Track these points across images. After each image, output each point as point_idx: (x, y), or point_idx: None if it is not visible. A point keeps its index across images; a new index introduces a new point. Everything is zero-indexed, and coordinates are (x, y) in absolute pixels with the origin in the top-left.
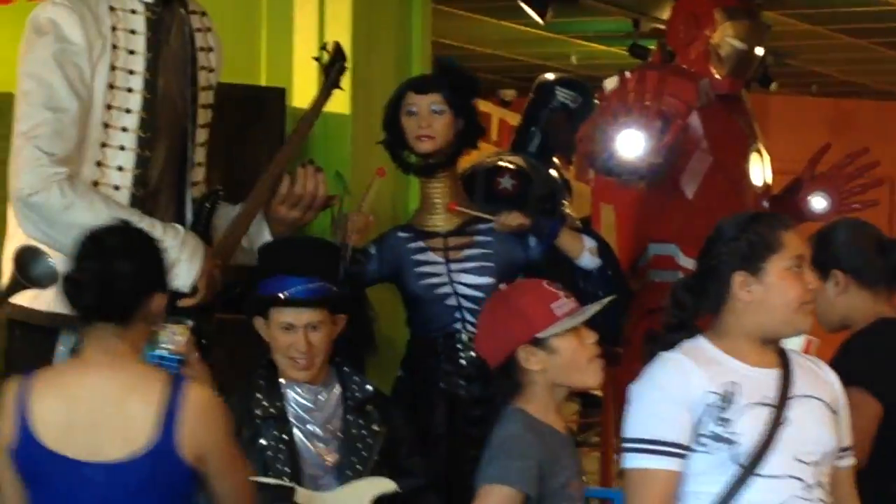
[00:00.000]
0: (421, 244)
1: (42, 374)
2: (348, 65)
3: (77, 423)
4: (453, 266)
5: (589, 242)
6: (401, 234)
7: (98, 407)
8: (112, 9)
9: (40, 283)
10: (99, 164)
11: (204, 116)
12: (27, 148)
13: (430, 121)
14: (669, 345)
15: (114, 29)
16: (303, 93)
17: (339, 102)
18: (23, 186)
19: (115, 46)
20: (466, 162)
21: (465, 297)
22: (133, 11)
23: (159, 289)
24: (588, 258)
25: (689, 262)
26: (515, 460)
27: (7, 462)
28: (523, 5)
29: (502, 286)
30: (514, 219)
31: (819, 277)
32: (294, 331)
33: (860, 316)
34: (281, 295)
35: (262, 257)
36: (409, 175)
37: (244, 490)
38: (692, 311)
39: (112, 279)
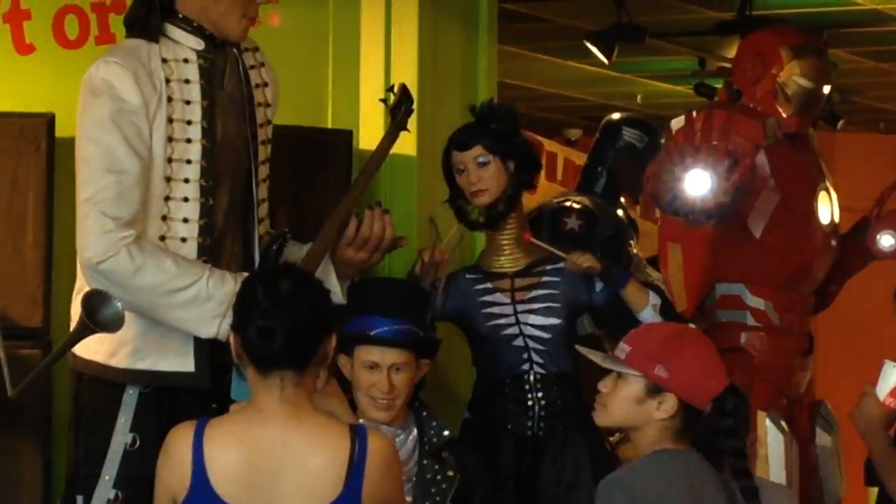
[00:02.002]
0: (488, 285)
1: (216, 423)
2: (414, 106)
3: (258, 476)
4: (520, 307)
5: (654, 298)
6: (468, 276)
7: (280, 459)
8: (164, 60)
9: (109, 327)
10: (164, 218)
11: (264, 152)
12: (93, 214)
13: (478, 175)
14: None
15: (168, 81)
16: (370, 135)
17: (406, 144)
18: (92, 255)
19: (170, 99)
20: (533, 201)
21: (532, 337)
22: (185, 60)
23: (332, 330)
24: (650, 313)
25: (757, 302)
26: None
27: None
28: (589, 45)
29: (692, 326)
30: (585, 259)
31: None
32: (378, 370)
33: None
34: (370, 333)
35: (351, 296)
36: (476, 231)
37: None
38: None
39: (300, 325)
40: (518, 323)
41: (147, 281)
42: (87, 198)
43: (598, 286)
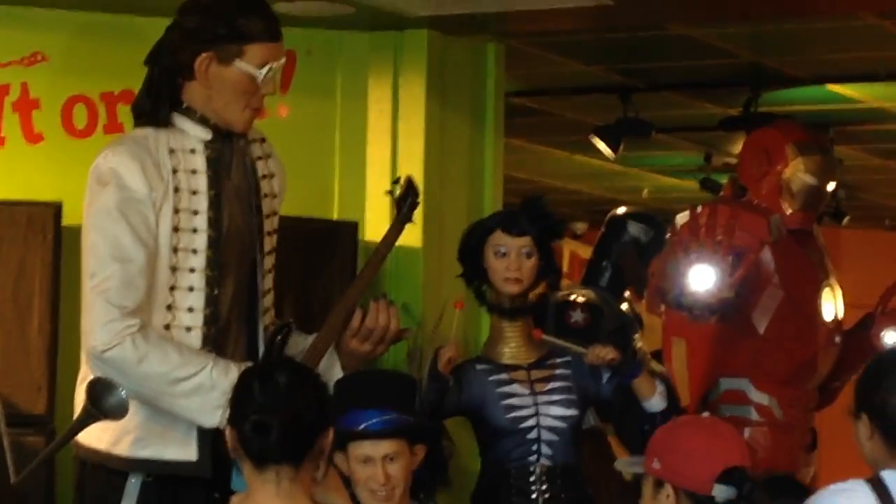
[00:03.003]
0: (505, 376)
1: None
2: (420, 198)
3: None
4: (541, 398)
5: (660, 386)
6: (480, 367)
7: None
8: (172, 150)
9: (112, 414)
10: (169, 307)
11: (270, 243)
12: (98, 302)
13: (519, 263)
14: None
15: (175, 171)
16: (375, 226)
17: (411, 236)
18: (96, 343)
19: (177, 189)
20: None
21: (549, 428)
22: (192, 151)
23: (330, 424)
24: (658, 401)
25: (760, 397)
26: None
27: None
28: (595, 140)
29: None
30: (608, 352)
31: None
32: (372, 463)
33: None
34: (357, 428)
35: (336, 393)
36: (485, 309)
37: None
38: None
39: (296, 420)
40: (537, 414)
41: (151, 369)
42: (92, 286)
43: (605, 377)
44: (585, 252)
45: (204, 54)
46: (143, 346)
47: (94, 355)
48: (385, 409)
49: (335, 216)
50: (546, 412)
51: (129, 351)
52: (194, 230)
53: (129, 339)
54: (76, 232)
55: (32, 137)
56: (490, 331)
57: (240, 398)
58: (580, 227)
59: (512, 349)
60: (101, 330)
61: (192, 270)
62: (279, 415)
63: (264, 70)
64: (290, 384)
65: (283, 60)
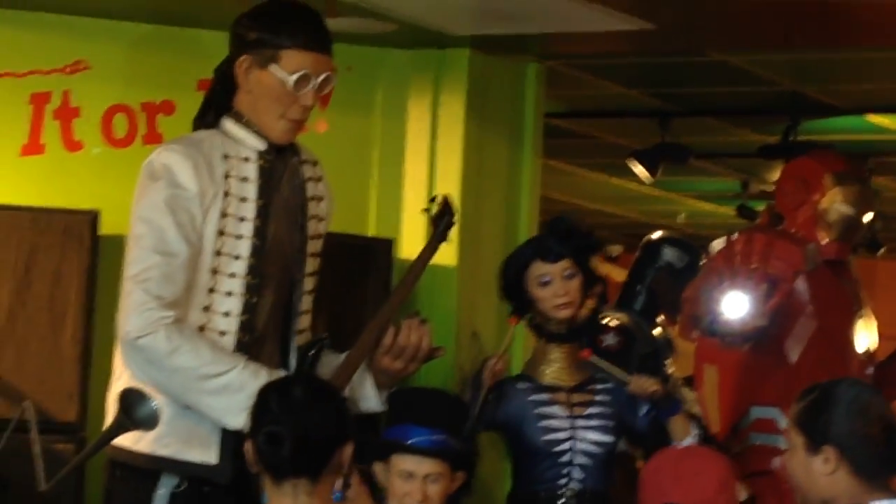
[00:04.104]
0: (545, 397)
1: None
2: (456, 217)
3: None
4: (579, 422)
5: (694, 430)
6: (520, 386)
7: None
8: (226, 156)
9: (144, 425)
10: (206, 308)
11: (312, 265)
12: (136, 291)
13: (566, 287)
14: None
15: (226, 176)
16: (411, 244)
17: (446, 255)
18: (130, 329)
19: (227, 194)
20: None
21: (584, 453)
22: (246, 159)
23: (349, 438)
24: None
25: None
26: None
27: None
28: (633, 164)
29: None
30: (651, 384)
31: (807, 446)
32: (413, 480)
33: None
34: (406, 442)
35: (391, 405)
36: (544, 340)
37: None
38: None
39: (311, 433)
40: (573, 438)
41: (181, 363)
42: (132, 275)
43: (643, 410)
44: (620, 275)
45: (243, 56)
46: (177, 338)
47: (127, 341)
48: (436, 429)
49: (371, 233)
50: (583, 436)
51: (162, 341)
52: (239, 236)
53: (163, 329)
54: (113, 241)
55: (72, 145)
56: (534, 351)
57: (257, 410)
58: (615, 249)
59: (554, 370)
60: (136, 317)
61: (232, 276)
62: (292, 427)
63: (294, 77)
64: (306, 398)
65: (326, 75)
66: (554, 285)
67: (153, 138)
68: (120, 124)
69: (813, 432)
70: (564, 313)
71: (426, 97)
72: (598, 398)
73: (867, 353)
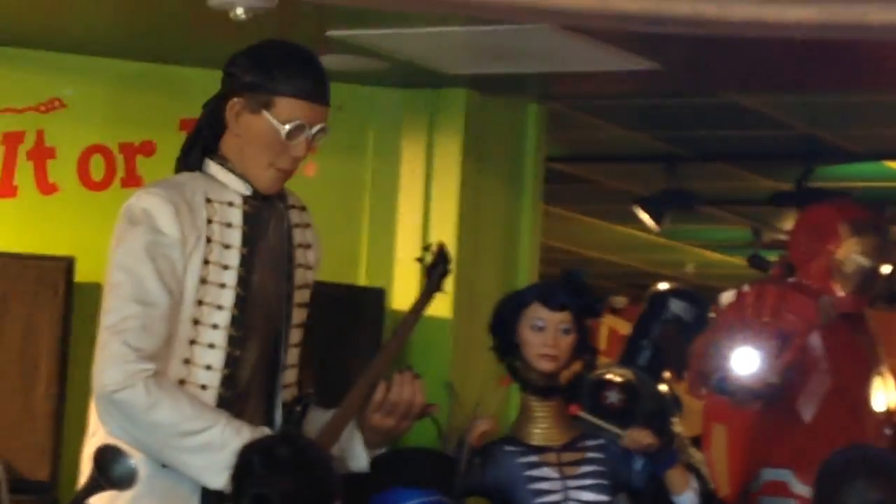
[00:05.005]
0: (534, 459)
1: None
2: (452, 266)
3: None
4: (571, 483)
5: (694, 482)
6: (508, 448)
7: None
8: (209, 200)
9: (120, 484)
10: (187, 361)
11: (299, 316)
12: (113, 342)
13: (557, 340)
14: None
15: (209, 221)
16: (403, 294)
17: (441, 306)
18: (107, 382)
19: (209, 240)
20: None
21: None
22: (230, 204)
23: (335, 498)
24: (690, 499)
25: (804, 490)
26: None
27: None
28: (638, 211)
29: None
30: (645, 436)
31: None
32: None
33: None
34: None
35: (378, 468)
36: (527, 395)
37: None
38: None
39: (297, 494)
40: (567, 499)
41: (161, 418)
42: (110, 325)
43: (639, 464)
44: (625, 328)
45: (235, 99)
46: (156, 392)
47: (103, 395)
48: (428, 490)
49: (362, 282)
50: (576, 497)
51: (141, 395)
52: (222, 285)
53: (141, 383)
54: (89, 289)
55: (46, 188)
56: (520, 409)
57: (239, 472)
58: (620, 301)
59: (542, 430)
60: (113, 369)
61: (214, 327)
62: (278, 488)
63: (289, 126)
64: (292, 458)
65: (321, 126)
66: (546, 333)
67: (132, 181)
68: (97, 166)
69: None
70: (547, 365)
71: (420, 139)
72: (589, 456)
73: (885, 412)
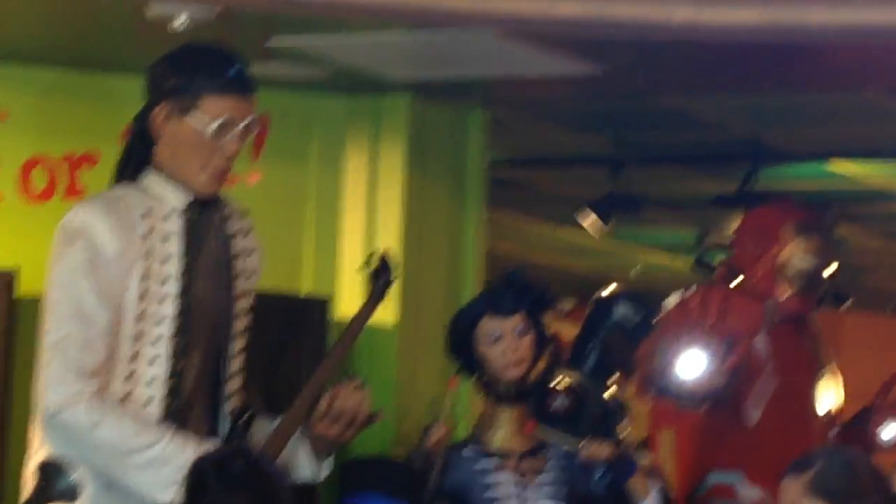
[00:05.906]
0: (493, 464)
1: None
2: (396, 274)
3: None
4: (529, 491)
5: (655, 483)
6: (466, 453)
7: None
8: (145, 213)
9: (62, 498)
10: (128, 378)
11: (241, 324)
12: (53, 362)
13: (517, 345)
14: None
15: (147, 235)
16: (348, 303)
17: (386, 313)
18: (48, 404)
19: (148, 254)
20: None
21: None
22: (167, 216)
23: None
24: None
25: (752, 492)
26: None
27: None
28: (582, 217)
29: None
30: (603, 450)
31: None
32: None
33: None
34: None
35: (347, 476)
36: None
37: None
38: None
39: None
40: None
41: (105, 437)
42: (50, 345)
43: (598, 474)
44: (571, 332)
45: (160, 105)
46: (98, 411)
47: (45, 418)
48: (396, 500)
49: (305, 291)
50: None
51: (83, 415)
52: (162, 298)
53: (83, 403)
54: (32, 304)
55: None
56: (481, 414)
57: (192, 489)
58: (566, 304)
59: (503, 435)
60: (53, 391)
61: (156, 339)
62: (233, 503)
63: (215, 124)
64: (244, 472)
65: (250, 119)
66: (504, 342)
67: (74, 192)
68: (39, 177)
69: None
70: (515, 372)
71: (364, 146)
72: (550, 464)
73: (831, 413)
